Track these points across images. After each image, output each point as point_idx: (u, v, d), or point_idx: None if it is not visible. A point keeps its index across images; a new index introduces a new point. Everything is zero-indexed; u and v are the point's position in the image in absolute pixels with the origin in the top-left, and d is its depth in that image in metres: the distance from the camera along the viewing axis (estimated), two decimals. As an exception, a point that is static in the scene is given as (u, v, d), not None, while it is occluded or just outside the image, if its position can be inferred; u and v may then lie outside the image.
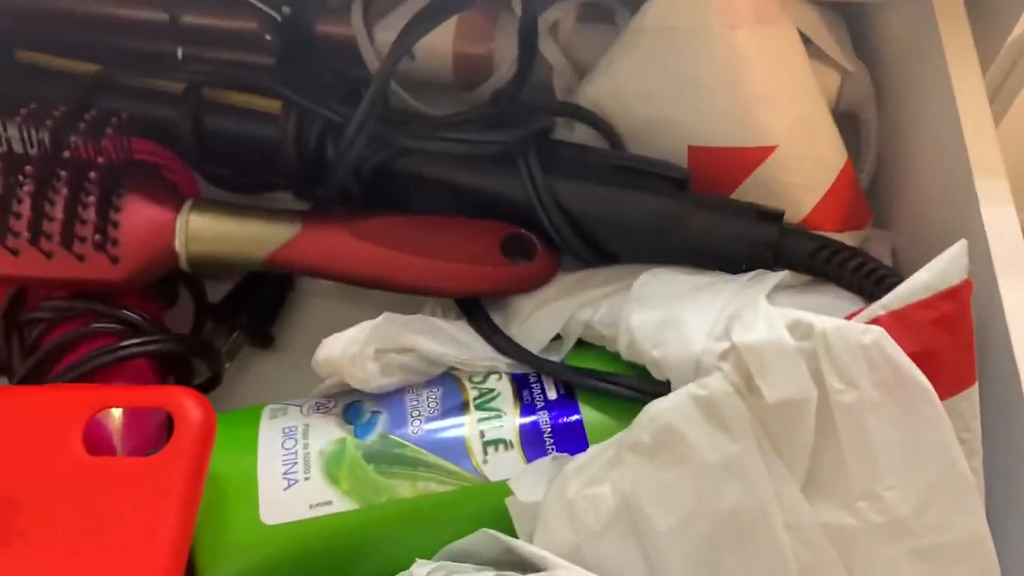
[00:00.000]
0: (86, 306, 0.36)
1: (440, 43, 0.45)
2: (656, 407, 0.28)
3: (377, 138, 0.39)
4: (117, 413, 0.35)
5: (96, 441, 0.33)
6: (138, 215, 0.36)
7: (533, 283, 0.38)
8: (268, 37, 0.45)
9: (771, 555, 0.27)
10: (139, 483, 0.29)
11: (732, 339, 0.27)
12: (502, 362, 0.36)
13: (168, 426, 0.33)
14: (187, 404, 0.30)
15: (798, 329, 0.26)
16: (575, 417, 0.33)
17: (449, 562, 0.30)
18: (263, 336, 0.41)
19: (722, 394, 0.27)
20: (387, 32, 0.45)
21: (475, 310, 0.37)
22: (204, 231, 0.37)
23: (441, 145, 0.39)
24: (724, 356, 0.28)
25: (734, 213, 0.36)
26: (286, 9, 0.45)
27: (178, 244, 0.36)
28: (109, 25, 0.46)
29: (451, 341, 0.36)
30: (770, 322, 0.27)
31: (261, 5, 0.44)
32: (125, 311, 0.36)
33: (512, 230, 0.38)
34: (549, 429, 0.33)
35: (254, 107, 0.41)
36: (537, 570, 0.29)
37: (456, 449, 0.32)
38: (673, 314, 0.31)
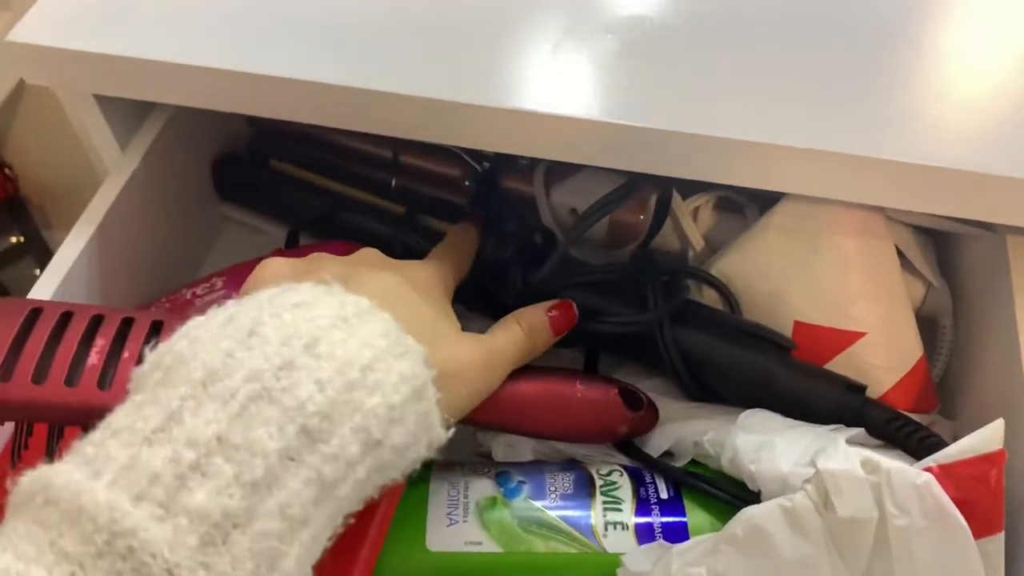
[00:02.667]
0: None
1: (601, 210, 0.56)
2: (751, 511, 0.37)
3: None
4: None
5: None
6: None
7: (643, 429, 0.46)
8: (467, 183, 0.57)
9: (827, 638, 0.34)
10: None
11: (817, 466, 0.36)
12: (618, 459, 0.45)
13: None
14: None
15: (868, 464, 0.35)
16: (682, 517, 0.41)
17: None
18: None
19: (803, 507, 0.35)
20: (561, 194, 0.56)
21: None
22: None
23: (598, 326, 0.48)
24: (808, 480, 0.36)
25: (827, 381, 0.45)
26: (486, 164, 0.57)
27: None
28: (344, 152, 0.59)
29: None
30: (847, 456, 0.35)
31: (467, 158, 0.57)
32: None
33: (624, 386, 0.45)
34: (660, 522, 0.41)
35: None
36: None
37: (583, 522, 0.41)
38: (769, 440, 0.40)
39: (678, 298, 0.47)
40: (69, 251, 0.47)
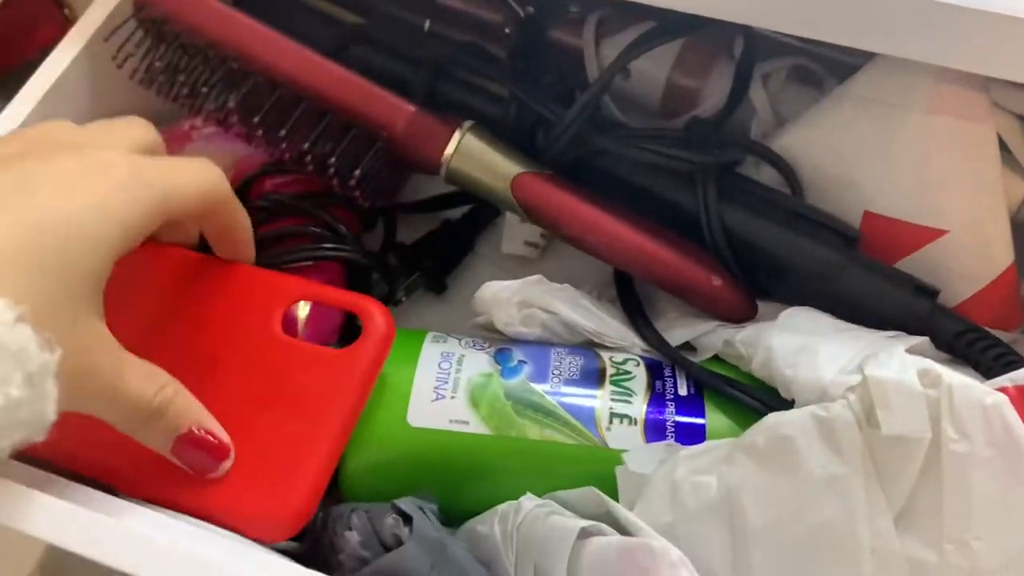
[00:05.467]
0: (302, 206, 0.42)
1: (656, 70, 0.49)
2: (777, 417, 0.31)
3: (581, 137, 0.44)
4: (307, 305, 0.40)
5: (287, 324, 0.36)
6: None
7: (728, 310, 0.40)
8: (507, 31, 0.50)
9: (851, 572, 0.29)
10: (324, 369, 0.33)
11: (864, 372, 0.30)
12: (635, 345, 0.39)
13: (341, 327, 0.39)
14: (376, 312, 0.35)
15: (927, 376, 0.29)
16: (699, 419, 0.36)
17: (553, 503, 0.34)
18: (439, 282, 0.46)
19: (841, 419, 0.30)
20: (613, 49, 0.49)
21: (630, 295, 0.41)
22: (471, 151, 0.41)
23: (635, 152, 0.43)
24: (852, 388, 0.30)
25: (894, 280, 0.39)
26: (530, 10, 0.50)
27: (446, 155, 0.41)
28: (375, -15, 0.52)
29: (589, 315, 0.40)
30: (903, 364, 0.29)
31: (511, 1, 0.50)
32: (335, 220, 0.41)
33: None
34: (673, 421, 0.35)
35: (484, 87, 0.46)
36: (629, 535, 0.32)
37: (585, 411, 0.36)
38: (812, 343, 0.34)
39: (729, 154, 0.41)
40: (54, 66, 0.42)
